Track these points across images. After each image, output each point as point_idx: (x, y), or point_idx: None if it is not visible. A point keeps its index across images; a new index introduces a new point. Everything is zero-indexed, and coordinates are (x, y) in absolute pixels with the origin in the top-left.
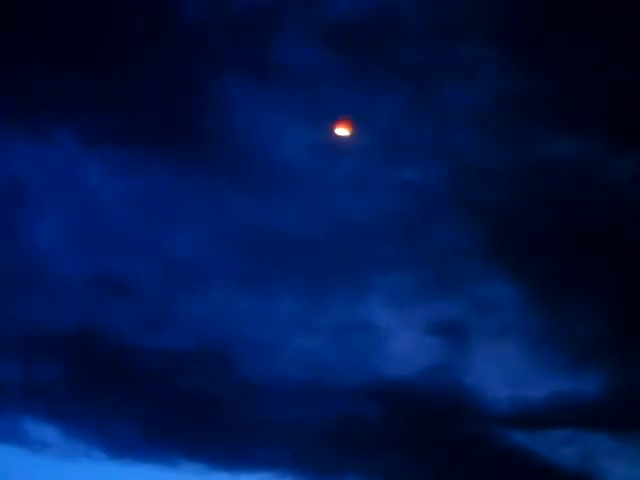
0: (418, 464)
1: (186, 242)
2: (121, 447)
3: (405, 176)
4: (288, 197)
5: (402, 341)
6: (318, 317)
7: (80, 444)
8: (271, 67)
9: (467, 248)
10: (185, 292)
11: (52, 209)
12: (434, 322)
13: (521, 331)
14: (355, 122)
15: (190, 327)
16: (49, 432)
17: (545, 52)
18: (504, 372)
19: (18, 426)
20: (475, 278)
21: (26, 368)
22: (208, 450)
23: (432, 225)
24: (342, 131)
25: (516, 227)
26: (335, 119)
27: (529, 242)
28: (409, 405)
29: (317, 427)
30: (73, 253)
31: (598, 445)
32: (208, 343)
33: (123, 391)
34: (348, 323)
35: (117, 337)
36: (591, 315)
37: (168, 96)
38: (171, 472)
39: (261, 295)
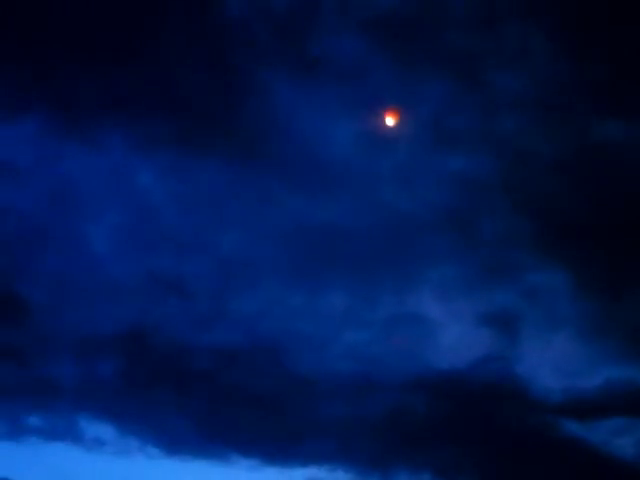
0: (470, 456)
1: (236, 240)
2: (175, 444)
3: (453, 166)
4: (336, 191)
5: (453, 333)
6: (368, 311)
7: (135, 441)
8: (315, 61)
9: (516, 237)
10: (236, 290)
11: (105, 212)
12: (485, 313)
13: (573, 320)
14: (402, 113)
15: (242, 324)
16: (104, 430)
17: (591, 37)
18: (556, 361)
19: (74, 424)
20: (525, 267)
21: (82, 368)
22: (261, 445)
23: (481, 215)
24: (389, 122)
25: (566, 214)
26: (381, 110)
27: (579, 229)
28: (461, 396)
29: (368, 421)
30: (126, 255)
31: None
32: (259, 340)
33: (177, 389)
34: (398, 316)
35: (170, 336)
36: None
37: (214, 96)
38: (225, 468)
39: (311, 291)
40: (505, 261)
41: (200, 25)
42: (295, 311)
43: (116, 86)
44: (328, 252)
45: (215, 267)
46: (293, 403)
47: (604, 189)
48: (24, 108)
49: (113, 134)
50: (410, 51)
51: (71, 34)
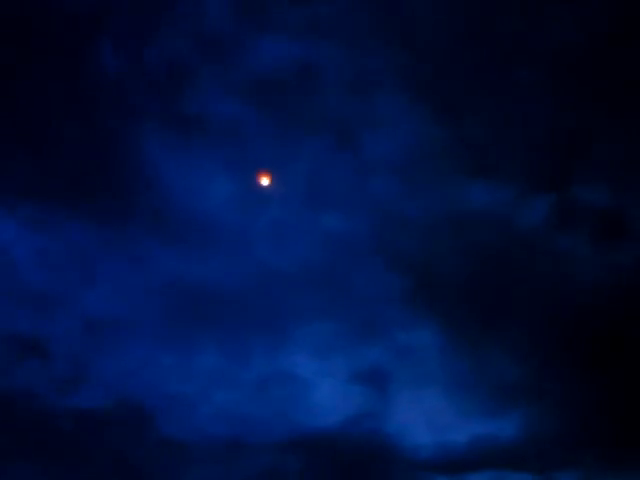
0: None
1: (102, 298)
2: None
3: (326, 224)
4: (209, 249)
5: (324, 391)
6: (239, 370)
7: None
8: (191, 119)
9: (388, 296)
10: (103, 350)
11: None
12: (356, 370)
13: (442, 377)
14: (276, 173)
15: (108, 385)
16: None
17: (461, 102)
18: (426, 418)
19: None
20: (396, 325)
21: None
22: None
23: (353, 273)
24: (264, 182)
25: (436, 274)
26: (256, 170)
27: (449, 289)
28: (333, 455)
29: None
30: None
31: None
32: (127, 401)
33: (39, 455)
34: (270, 375)
35: (31, 399)
36: (508, 359)
37: (85, 151)
38: None
39: (181, 350)
40: (377, 319)
41: (72, 78)
42: (164, 371)
43: None
44: (200, 310)
45: (80, 326)
46: (164, 466)
47: (472, 250)
48: None
49: None
50: (285, 112)
51: None
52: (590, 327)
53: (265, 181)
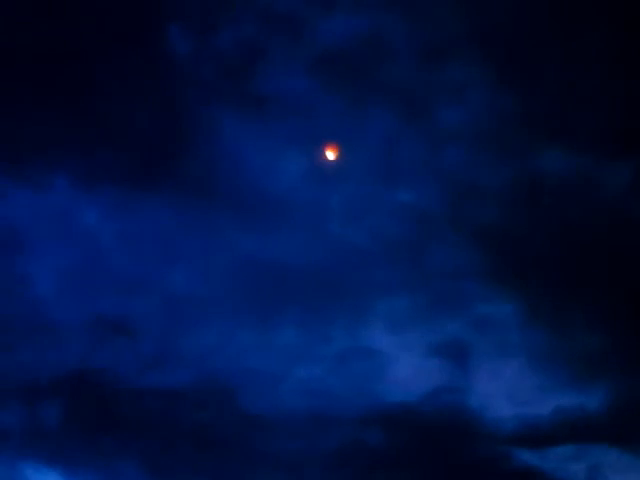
0: None
1: (184, 278)
2: None
3: (400, 198)
4: (285, 226)
5: (404, 365)
6: (320, 346)
7: None
8: (263, 99)
9: (465, 268)
10: (185, 328)
11: (50, 254)
12: (436, 344)
13: (523, 349)
14: (349, 148)
15: (192, 363)
16: (51, 477)
17: (533, 68)
18: (508, 391)
19: (19, 472)
20: (475, 298)
21: (26, 414)
22: None
23: (429, 247)
24: (335, 157)
25: (513, 244)
26: (327, 145)
27: (527, 259)
28: (413, 429)
29: (322, 457)
30: (72, 297)
31: (604, 459)
32: (210, 378)
33: (125, 432)
34: (349, 350)
35: (118, 377)
36: (592, 330)
37: (160, 133)
38: None
39: (262, 327)
40: (455, 292)
41: (146, 62)
42: (246, 348)
43: (59, 124)
44: (279, 287)
45: (163, 306)
46: (246, 442)
47: (551, 219)
48: None
49: (57, 175)
50: (355, 87)
51: (11, 71)
52: None
53: (337, 156)
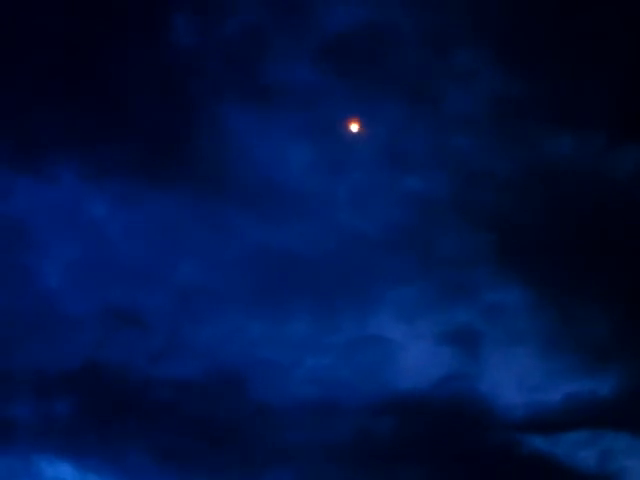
0: (436, 476)
1: (193, 270)
2: (136, 479)
3: (409, 186)
4: (293, 216)
5: (414, 353)
6: (329, 335)
7: (95, 479)
8: (267, 88)
9: (474, 256)
10: (195, 319)
11: (60, 247)
12: (445, 332)
13: (533, 336)
14: (356, 136)
15: (202, 354)
16: (63, 469)
17: (539, 53)
18: (518, 377)
19: (32, 464)
20: (484, 285)
21: (38, 406)
22: (225, 476)
23: (438, 234)
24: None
25: (522, 231)
26: (335, 134)
27: (536, 245)
28: (424, 417)
29: (333, 446)
30: (82, 289)
31: (615, 444)
32: (220, 369)
33: (136, 423)
34: (359, 339)
35: (128, 369)
36: (602, 315)
37: (167, 124)
38: None
39: (271, 317)
40: (463, 279)
41: (152, 54)
42: (256, 339)
43: (66, 117)
44: (289, 277)
45: (173, 297)
46: (257, 432)
47: (558, 205)
48: None
49: (64, 167)
50: (362, 75)
51: (21, 65)
52: None
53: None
